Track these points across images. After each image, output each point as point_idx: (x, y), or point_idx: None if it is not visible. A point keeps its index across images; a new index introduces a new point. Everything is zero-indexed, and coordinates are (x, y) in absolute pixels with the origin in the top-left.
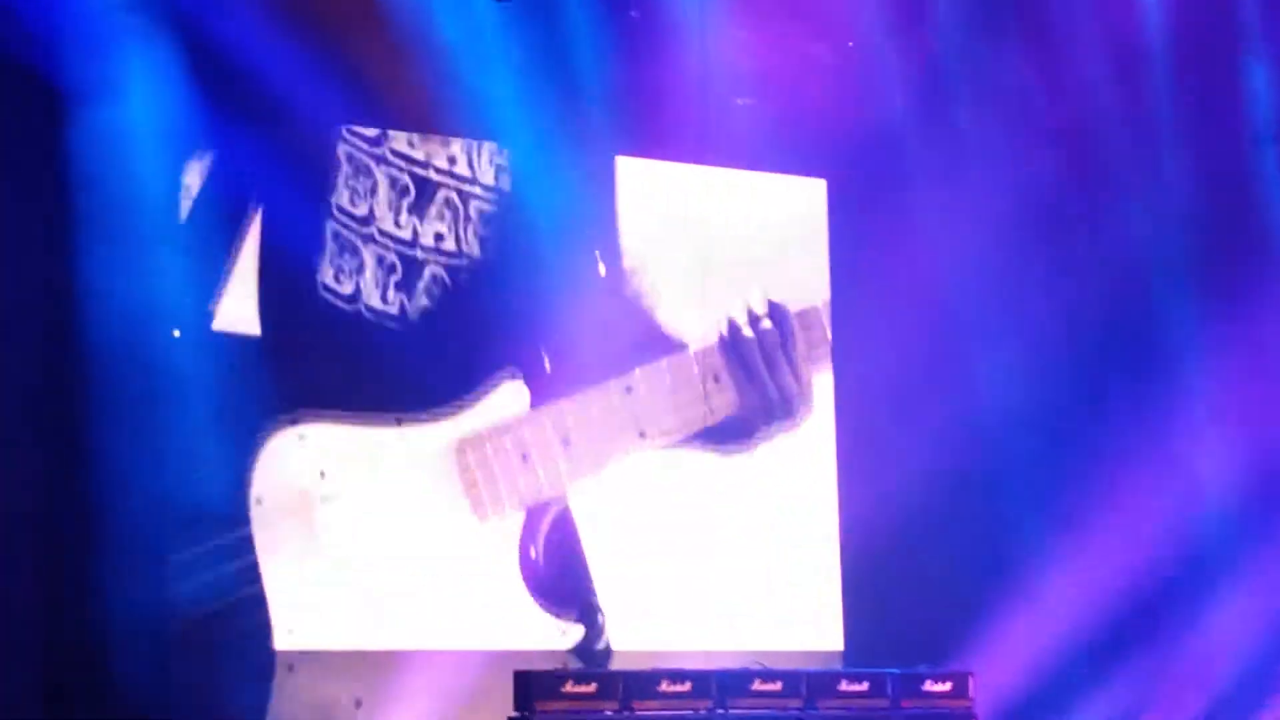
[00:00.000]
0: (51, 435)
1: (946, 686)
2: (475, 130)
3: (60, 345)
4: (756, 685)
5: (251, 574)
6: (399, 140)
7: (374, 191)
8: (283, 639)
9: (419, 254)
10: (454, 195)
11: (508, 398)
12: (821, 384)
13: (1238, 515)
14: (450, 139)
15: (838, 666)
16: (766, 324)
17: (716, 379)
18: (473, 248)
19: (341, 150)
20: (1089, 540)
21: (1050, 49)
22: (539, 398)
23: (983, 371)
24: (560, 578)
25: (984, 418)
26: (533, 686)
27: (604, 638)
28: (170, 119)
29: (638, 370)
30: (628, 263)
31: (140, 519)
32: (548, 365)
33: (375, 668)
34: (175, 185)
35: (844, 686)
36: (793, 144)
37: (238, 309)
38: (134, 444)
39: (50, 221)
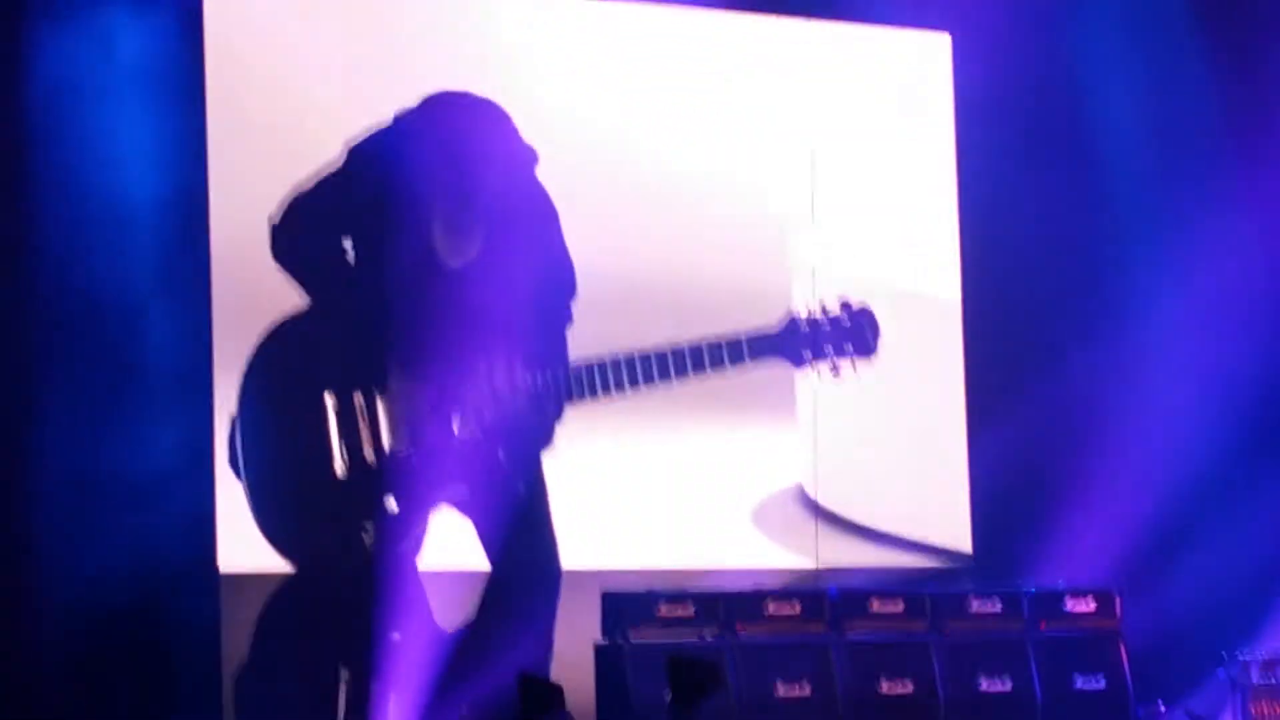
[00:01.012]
0: None
1: (1090, 605)
2: None
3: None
4: (875, 606)
5: None
6: None
7: None
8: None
9: None
10: None
11: None
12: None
13: None
14: None
15: (966, 581)
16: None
17: None
18: None
19: None
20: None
21: None
22: None
23: (1134, 249)
24: None
25: (1128, 300)
26: (623, 610)
27: None
28: None
29: None
30: None
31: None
32: None
33: None
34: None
35: (975, 607)
36: None
37: None
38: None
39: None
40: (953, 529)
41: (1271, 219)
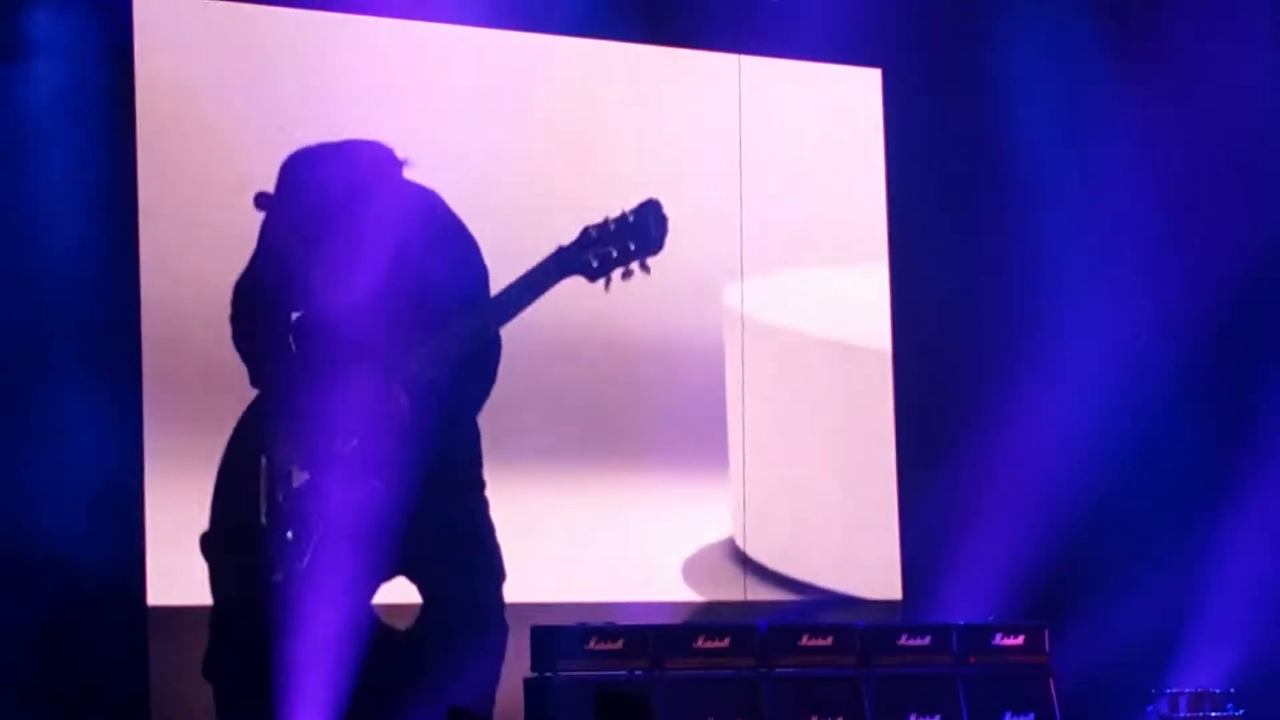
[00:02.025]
0: None
1: (1019, 640)
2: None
3: None
4: (805, 640)
5: None
6: None
7: None
8: None
9: None
10: None
11: None
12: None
13: None
14: None
15: (896, 618)
16: None
17: None
18: None
19: None
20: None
21: None
22: None
23: (1061, 289)
24: None
25: (1062, 338)
26: (553, 644)
27: None
28: None
29: None
30: None
31: None
32: None
33: None
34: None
35: (904, 641)
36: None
37: None
38: None
39: None
40: (883, 578)
41: (1196, 261)
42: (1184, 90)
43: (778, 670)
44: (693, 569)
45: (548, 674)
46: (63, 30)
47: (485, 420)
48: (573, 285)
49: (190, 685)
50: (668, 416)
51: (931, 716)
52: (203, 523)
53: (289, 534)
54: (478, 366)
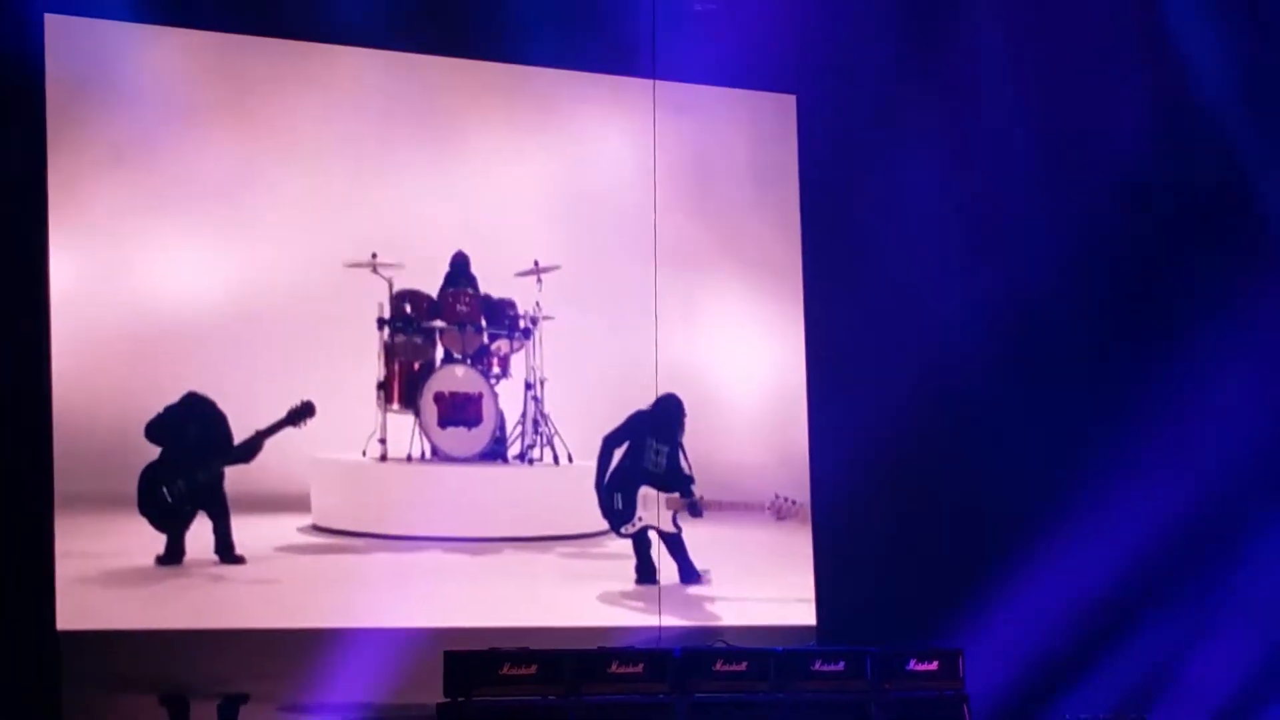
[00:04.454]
0: None
1: (933, 666)
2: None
3: None
4: (719, 666)
5: None
6: None
7: None
8: None
9: None
10: None
11: None
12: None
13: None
14: None
15: (811, 643)
16: None
17: None
18: None
19: None
20: (1080, 506)
21: None
22: None
23: (964, 317)
24: None
25: (963, 364)
26: (466, 669)
27: None
28: None
29: None
30: None
31: None
32: None
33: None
34: None
35: (818, 666)
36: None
37: None
38: None
39: None
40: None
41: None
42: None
43: (694, 696)
44: (607, 593)
45: (461, 699)
46: None
47: None
48: None
49: None
50: None
51: None
52: None
53: None
54: None
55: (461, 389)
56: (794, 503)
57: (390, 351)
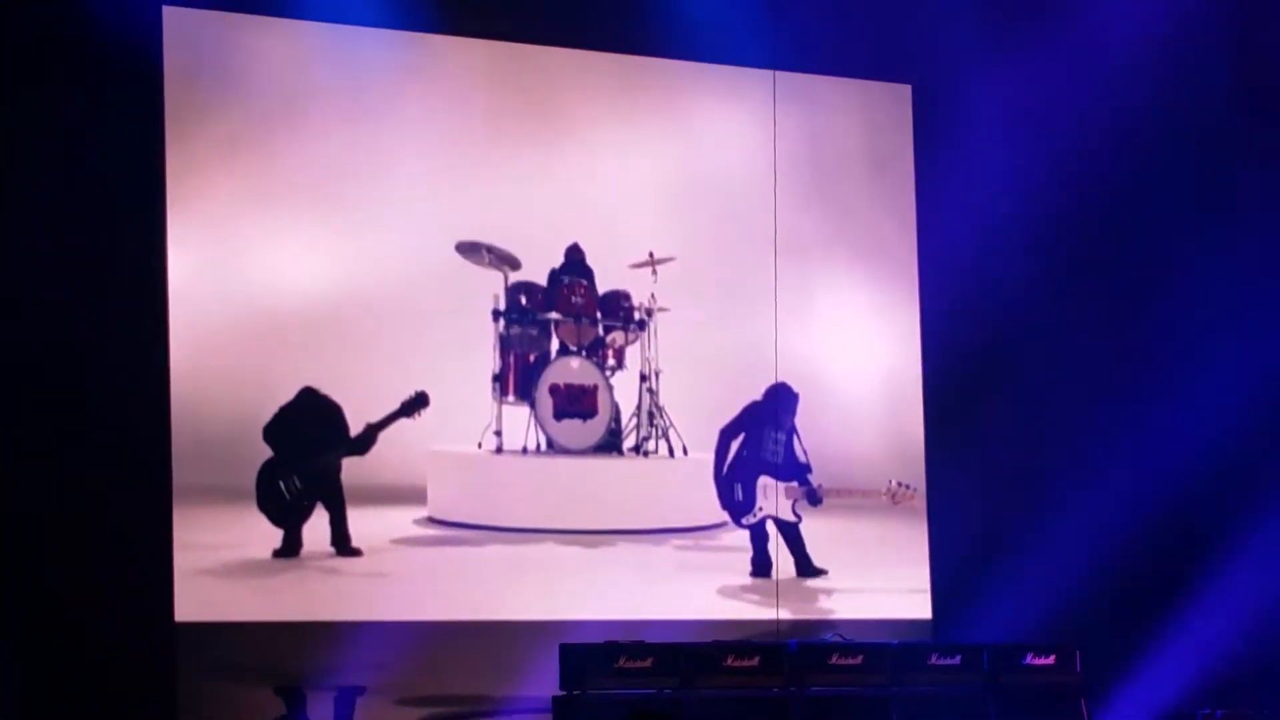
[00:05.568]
0: None
1: (1050, 660)
2: None
3: None
4: (835, 659)
5: None
6: None
7: None
8: None
9: None
10: None
11: None
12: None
13: None
14: None
15: (927, 638)
16: None
17: None
18: None
19: None
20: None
21: None
22: None
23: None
24: None
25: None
26: (582, 662)
27: None
28: None
29: None
30: None
31: None
32: None
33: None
34: None
35: (934, 660)
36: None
37: None
38: None
39: None
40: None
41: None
42: None
43: (809, 690)
44: (726, 587)
45: (576, 692)
46: None
47: None
48: None
49: None
50: None
51: None
52: None
53: None
54: None
55: (577, 381)
56: (909, 487)
57: (505, 343)
